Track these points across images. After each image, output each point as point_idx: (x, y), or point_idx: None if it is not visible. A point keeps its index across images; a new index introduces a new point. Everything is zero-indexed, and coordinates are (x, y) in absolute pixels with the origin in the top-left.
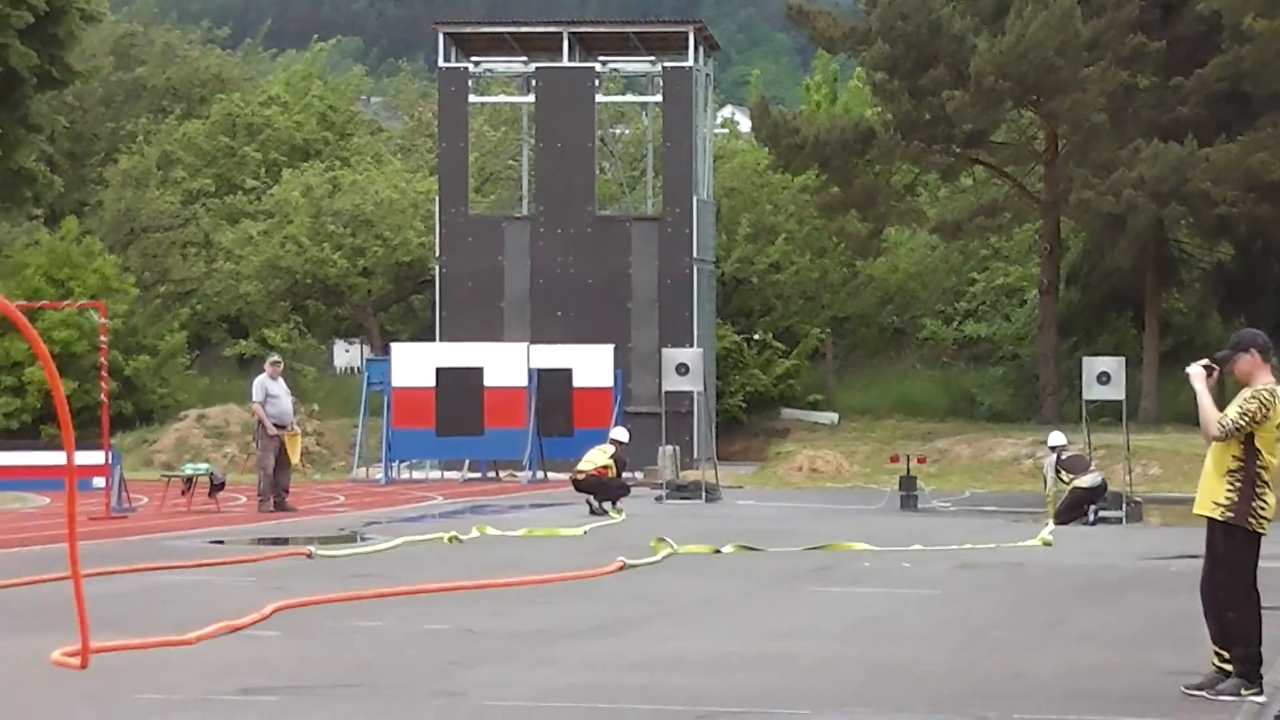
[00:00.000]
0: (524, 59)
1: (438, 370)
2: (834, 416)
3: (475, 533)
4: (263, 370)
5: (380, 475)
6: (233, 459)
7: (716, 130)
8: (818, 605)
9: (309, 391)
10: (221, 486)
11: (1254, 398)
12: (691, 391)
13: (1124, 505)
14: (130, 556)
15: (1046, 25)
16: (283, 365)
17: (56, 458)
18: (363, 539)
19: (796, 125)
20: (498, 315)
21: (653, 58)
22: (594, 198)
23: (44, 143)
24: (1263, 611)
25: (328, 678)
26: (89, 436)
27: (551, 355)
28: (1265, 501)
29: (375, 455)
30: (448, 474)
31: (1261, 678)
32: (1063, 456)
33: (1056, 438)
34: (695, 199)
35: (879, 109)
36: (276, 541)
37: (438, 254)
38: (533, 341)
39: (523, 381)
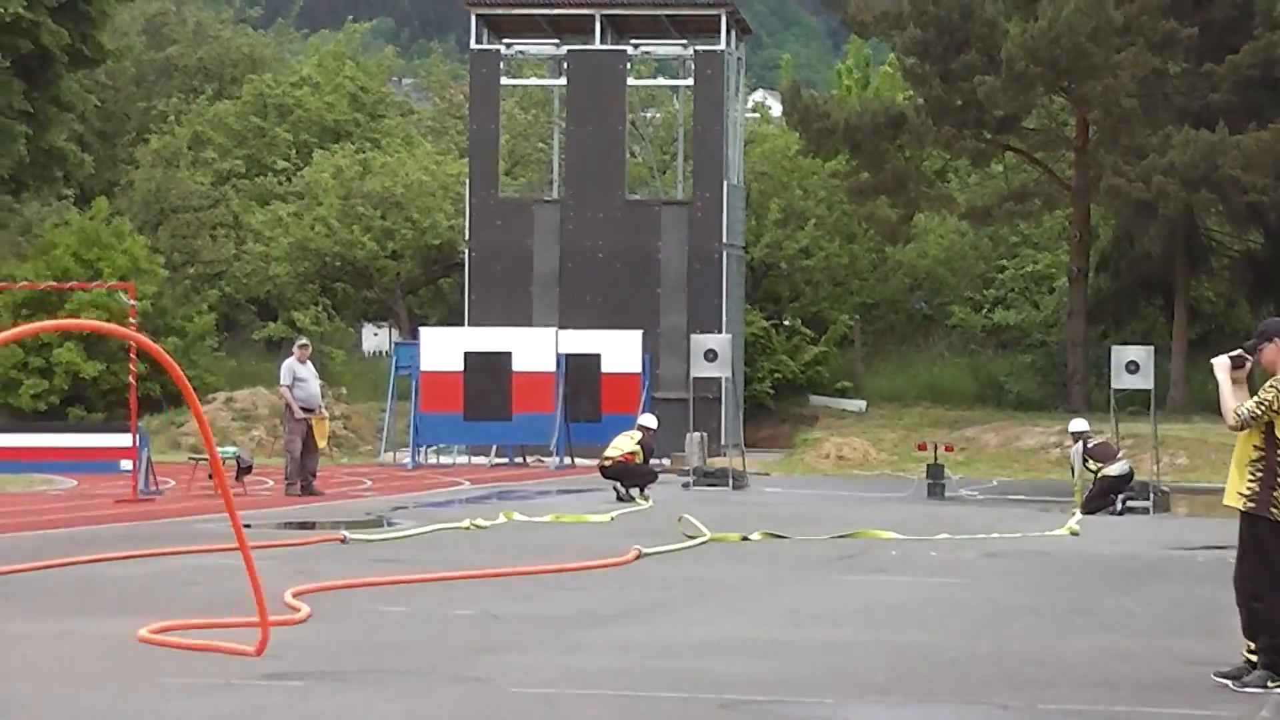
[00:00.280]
0: (555, 41)
1: (466, 354)
2: (862, 404)
3: (502, 518)
4: (291, 353)
5: (407, 460)
6: (260, 442)
7: (747, 114)
8: (844, 592)
9: (337, 375)
10: (249, 470)
11: (1271, 387)
12: (719, 378)
13: (1151, 495)
14: (158, 539)
15: (1079, 10)
16: (311, 349)
17: (84, 439)
18: (390, 524)
19: (827, 110)
20: (526, 299)
21: (684, 41)
22: (624, 181)
23: (75, 122)
24: None
25: (354, 662)
26: (117, 419)
27: (580, 340)
28: None
29: (403, 439)
30: (475, 459)
31: None
32: (1089, 444)
33: (1079, 424)
34: (725, 183)
35: (910, 94)
36: (304, 525)
37: (467, 237)
38: (561, 326)
39: (551, 366)
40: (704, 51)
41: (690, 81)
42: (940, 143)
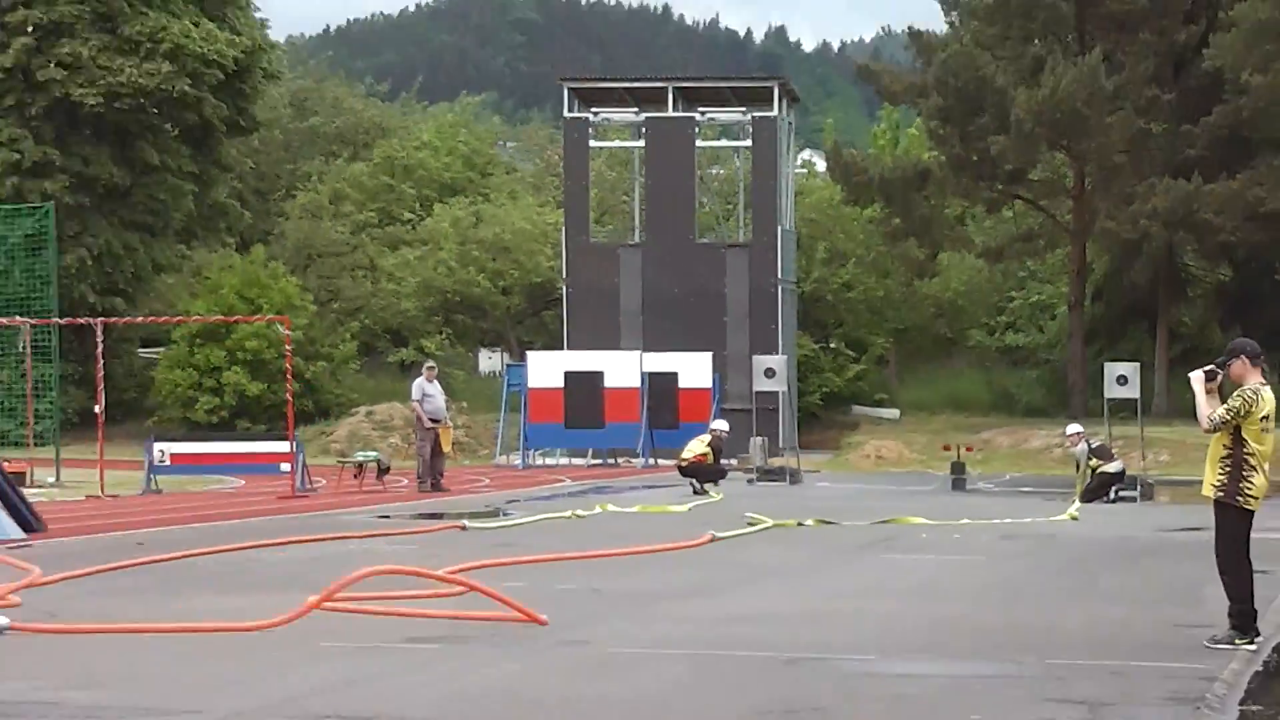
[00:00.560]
0: (635, 110)
1: (566, 373)
2: (896, 412)
3: (598, 509)
4: (421, 374)
5: (518, 461)
6: (396, 448)
7: (796, 170)
8: (882, 570)
9: (458, 391)
10: (387, 470)
11: (1238, 395)
12: (777, 391)
13: (1139, 487)
14: (311, 529)
15: (1076, 80)
16: (436, 370)
17: (249, 447)
18: (504, 515)
19: (865, 166)
20: (615, 327)
21: (744, 109)
22: (694, 227)
23: (234, 181)
24: (1254, 575)
25: (480, 629)
26: (277, 429)
27: (660, 361)
28: (1252, 483)
29: (514, 445)
30: (574, 460)
31: (1256, 630)
32: (1093, 445)
33: (1074, 427)
34: (779, 229)
35: (934, 152)
36: (433, 516)
37: (564, 275)
38: (644, 349)
39: (636, 383)
40: (760, 117)
41: (749, 143)
42: (959, 193)
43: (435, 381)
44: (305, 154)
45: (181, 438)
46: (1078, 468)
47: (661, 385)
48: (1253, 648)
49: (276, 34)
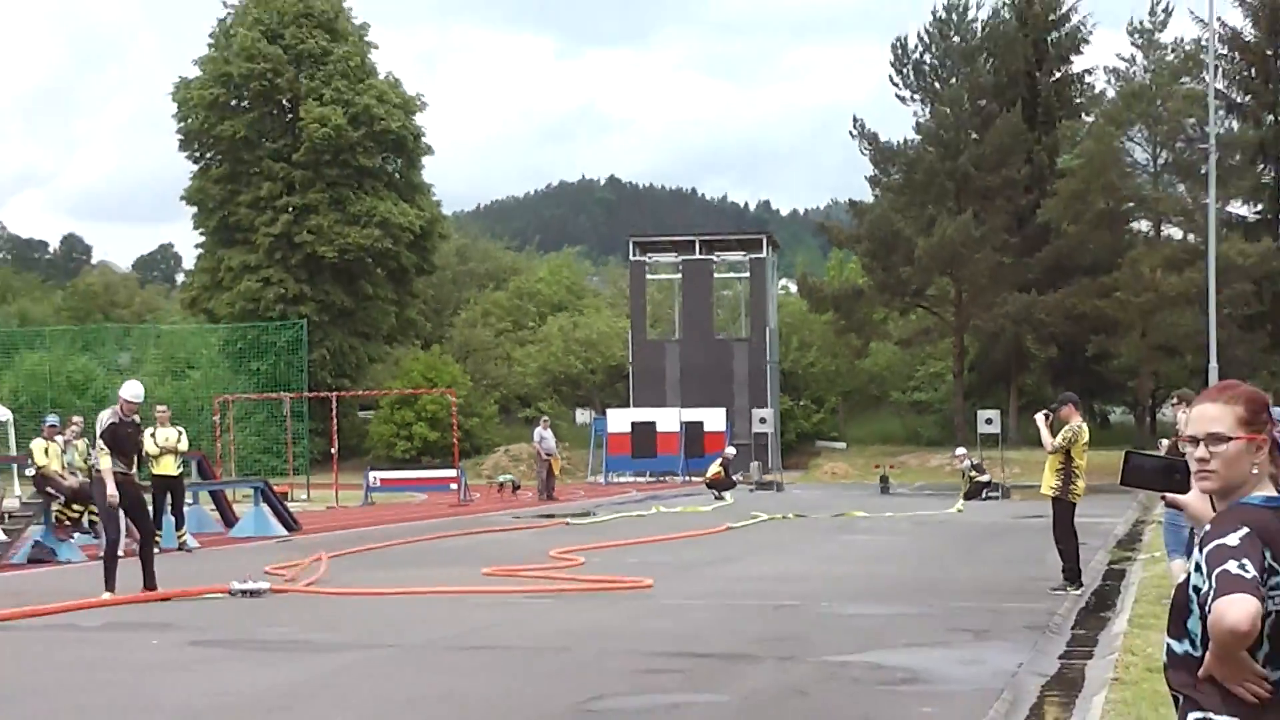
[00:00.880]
0: (674, 254)
1: (632, 423)
2: (843, 444)
3: (653, 510)
4: (539, 424)
5: (601, 479)
6: (523, 473)
7: (778, 291)
8: (837, 545)
9: (563, 435)
10: (518, 487)
11: (1068, 429)
12: (767, 432)
13: (1001, 490)
14: (471, 525)
15: (956, 230)
16: (549, 421)
17: (430, 473)
18: (593, 514)
19: (821, 288)
20: (662, 393)
21: (744, 252)
22: (713, 328)
23: (420, 304)
24: (1079, 543)
25: (575, 586)
26: (448, 462)
27: (691, 414)
28: (1076, 485)
29: (599, 469)
30: (637, 479)
31: (1080, 581)
32: (972, 463)
33: (961, 451)
34: (768, 329)
35: (866, 278)
36: (547, 516)
37: (630, 360)
38: (682, 406)
39: (676, 429)
40: (754, 258)
41: (747, 274)
42: (882, 304)
43: (548, 429)
44: (465, 286)
45: (386, 468)
46: (962, 477)
47: (692, 430)
48: (1078, 592)
49: (446, 209)
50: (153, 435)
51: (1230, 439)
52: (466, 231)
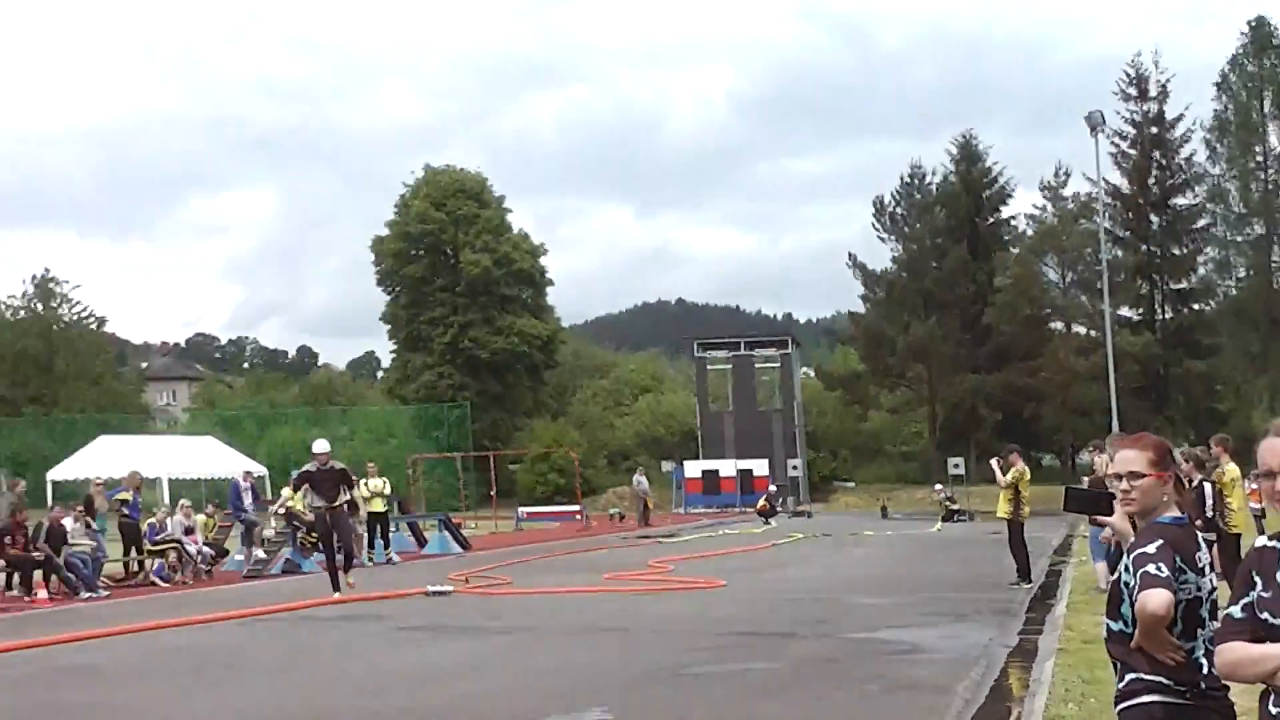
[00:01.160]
0: (726, 351)
1: (702, 470)
2: (853, 484)
3: (720, 532)
4: (638, 471)
5: (681, 510)
6: (626, 507)
7: (801, 375)
8: (854, 555)
9: (653, 479)
10: (623, 517)
11: (1015, 470)
12: (798, 475)
13: (968, 514)
14: (591, 544)
15: (926, 332)
16: (642, 469)
17: (560, 508)
18: (676, 536)
19: (831, 373)
20: (722, 449)
21: (775, 349)
22: (756, 403)
23: (549, 389)
24: (1028, 551)
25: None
26: (573, 500)
27: (744, 464)
28: (1024, 510)
29: (679, 503)
30: (707, 510)
31: (1030, 579)
32: (946, 494)
33: (938, 486)
34: (795, 402)
35: (862, 366)
36: (644, 537)
37: (699, 425)
38: (737, 458)
39: (734, 474)
40: (783, 353)
41: (778, 365)
42: (876, 384)
43: (643, 475)
44: (580, 376)
45: (530, 505)
46: (940, 505)
47: (744, 475)
48: (1028, 586)
49: (564, 322)
50: (366, 483)
51: (1145, 475)
52: (579, 338)
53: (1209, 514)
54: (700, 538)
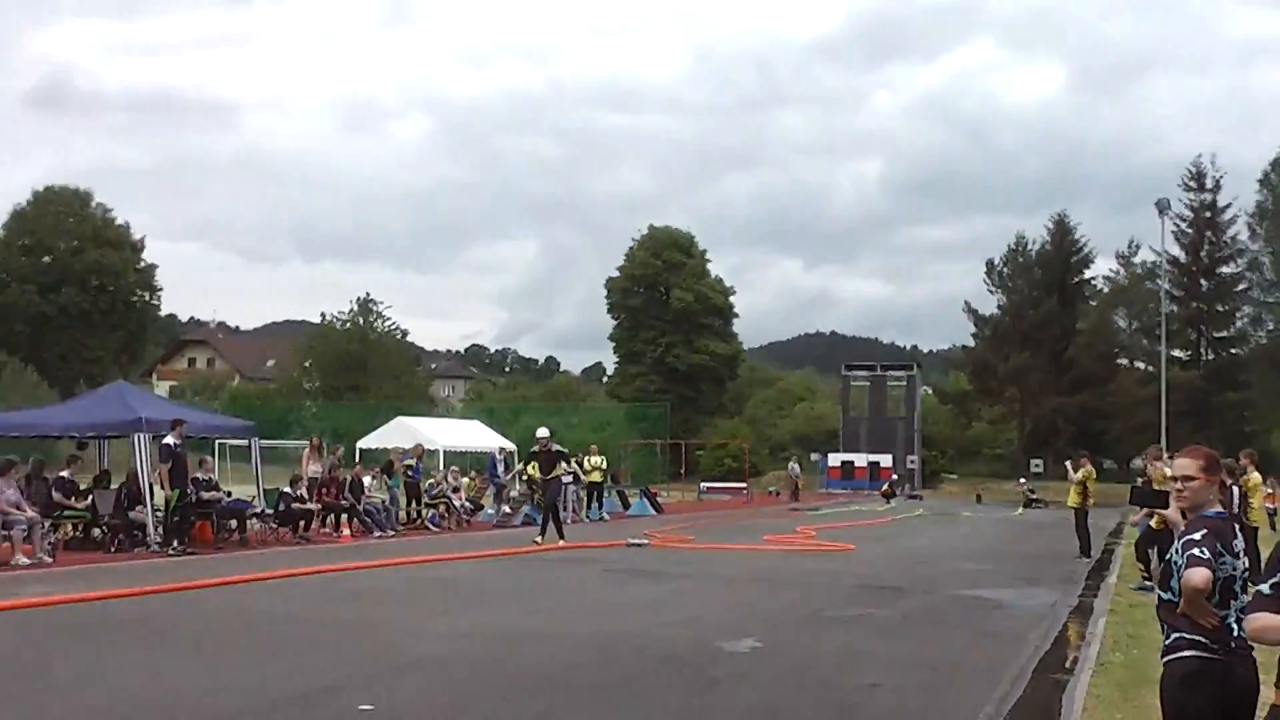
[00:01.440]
0: (865, 373)
1: (841, 461)
2: (956, 476)
3: (853, 507)
4: (792, 460)
5: (824, 490)
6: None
7: (922, 392)
8: (954, 531)
9: (804, 467)
10: (779, 494)
11: (1086, 471)
12: (915, 468)
13: (1045, 503)
14: (754, 515)
15: (1022, 362)
16: (797, 458)
17: (733, 484)
18: (818, 510)
19: (947, 391)
20: (858, 445)
21: (902, 373)
22: (885, 411)
23: (728, 396)
24: (1090, 533)
25: (801, 548)
26: (740, 478)
27: (874, 457)
28: (1088, 501)
29: (822, 486)
30: (844, 492)
31: (1089, 555)
32: (1029, 487)
33: (1023, 481)
34: (915, 413)
35: (969, 387)
36: (794, 510)
37: (841, 428)
38: (868, 452)
39: (865, 465)
40: (909, 375)
41: (905, 384)
42: (979, 401)
43: (797, 463)
44: (754, 388)
45: (709, 481)
46: (1022, 495)
47: (874, 465)
48: (1089, 560)
49: (745, 345)
50: (588, 459)
51: (1196, 479)
52: (754, 358)
53: (1235, 510)
54: (837, 512)
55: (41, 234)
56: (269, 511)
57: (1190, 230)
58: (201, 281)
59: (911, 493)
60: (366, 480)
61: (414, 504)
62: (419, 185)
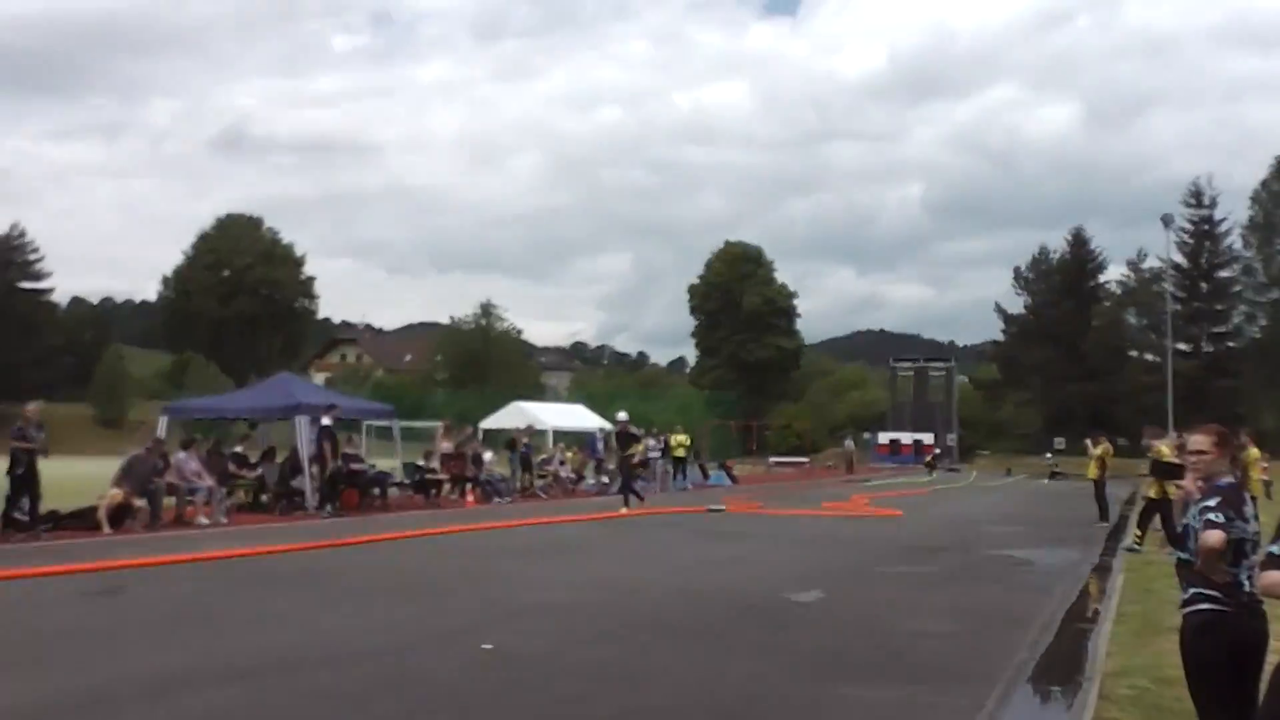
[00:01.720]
0: (910, 364)
1: (889, 439)
2: (988, 452)
3: (899, 479)
4: (846, 438)
5: (874, 464)
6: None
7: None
8: (986, 499)
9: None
10: (834, 468)
11: (1104, 447)
12: (953, 445)
13: (1065, 475)
14: (813, 485)
15: (1043, 356)
16: (851, 434)
17: (798, 459)
18: (869, 481)
19: (980, 379)
20: (904, 425)
21: (942, 364)
22: (927, 396)
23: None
24: (1107, 502)
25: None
26: (803, 454)
27: (917, 435)
28: (1105, 473)
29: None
30: (891, 465)
31: (1107, 519)
32: (1052, 461)
33: (1048, 455)
34: (953, 399)
35: (999, 376)
36: (849, 481)
37: (889, 410)
38: (913, 431)
39: (910, 442)
40: (948, 366)
41: (944, 375)
42: (1008, 388)
43: (850, 440)
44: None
45: (776, 456)
46: (1046, 468)
47: (917, 443)
48: (1106, 524)
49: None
50: (674, 437)
51: (1207, 453)
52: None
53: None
54: (886, 483)
55: (221, 254)
56: (406, 481)
57: (1191, 240)
58: (352, 291)
59: (950, 466)
60: (487, 455)
61: (527, 475)
62: (532, 209)
